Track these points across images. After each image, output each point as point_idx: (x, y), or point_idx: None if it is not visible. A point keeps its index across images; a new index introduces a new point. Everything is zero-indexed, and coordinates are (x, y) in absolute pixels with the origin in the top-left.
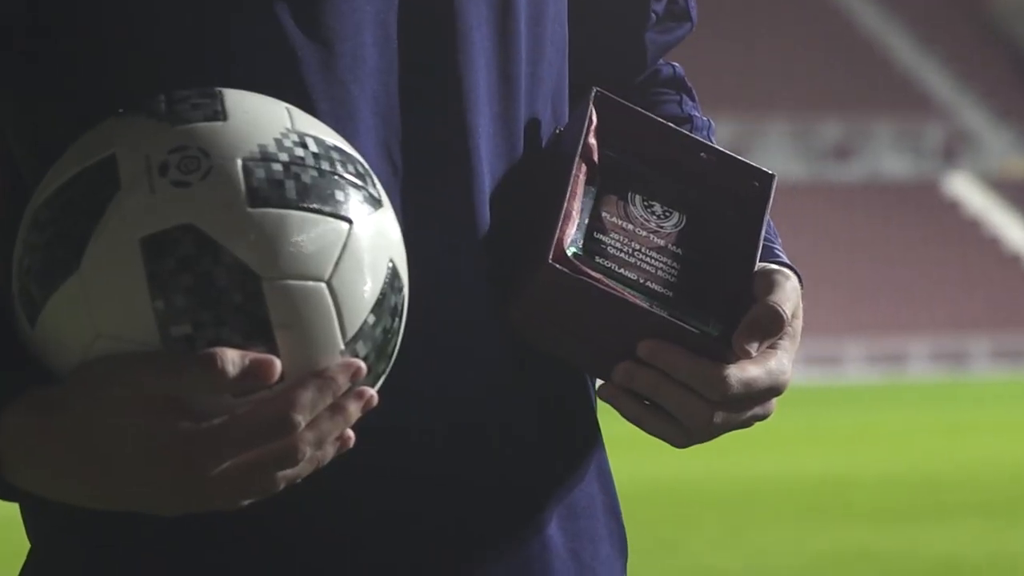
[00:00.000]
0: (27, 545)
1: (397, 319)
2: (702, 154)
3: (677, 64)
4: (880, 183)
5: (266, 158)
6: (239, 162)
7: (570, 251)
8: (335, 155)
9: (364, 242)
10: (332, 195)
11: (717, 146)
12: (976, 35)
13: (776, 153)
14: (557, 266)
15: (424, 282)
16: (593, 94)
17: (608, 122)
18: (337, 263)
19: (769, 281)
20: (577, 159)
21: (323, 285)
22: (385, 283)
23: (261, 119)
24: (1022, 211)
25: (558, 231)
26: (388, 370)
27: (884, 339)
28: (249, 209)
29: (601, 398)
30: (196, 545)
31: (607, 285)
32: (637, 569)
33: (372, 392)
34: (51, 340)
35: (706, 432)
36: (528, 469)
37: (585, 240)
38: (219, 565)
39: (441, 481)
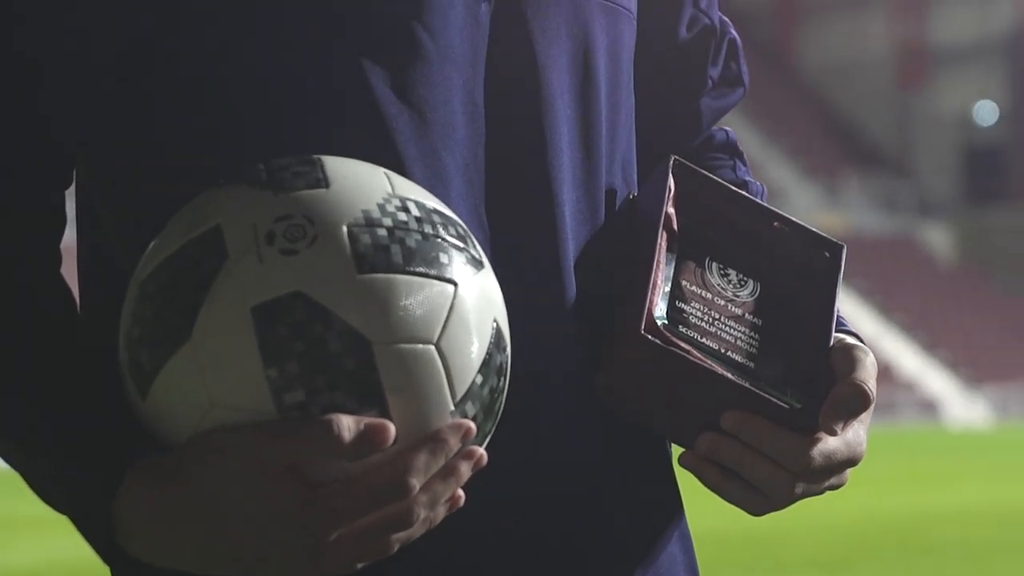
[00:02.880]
0: None
1: (503, 379)
2: (775, 223)
3: (730, 129)
4: None
5: (370, 223)
6: (344, 228)
7: (659, 321)
8: (436, 218)
9: (469, 303)
10: (436, 258)
11: (788, 216)
12: (783, 91)
13: None
14: (649, 337)
15: (514, 347)
16: (672, 162)
17: (685, 189)
18: (445, 325)
19: (851, 357)
20: (660, 229)
21: (432, 348)
22: (491, 343)
23: (363, 185)
24: None
25: (648, 301)
26: (494, 429)
27: None
28: (357, 275)
29: (683, 467)
30: None
31: (696, 356)
32: None
33: (481, 452)
34: (164, 410)
35: (785, 501)
36: (615, 534)
37: (669, 309)
38: None
39: (538, 542)
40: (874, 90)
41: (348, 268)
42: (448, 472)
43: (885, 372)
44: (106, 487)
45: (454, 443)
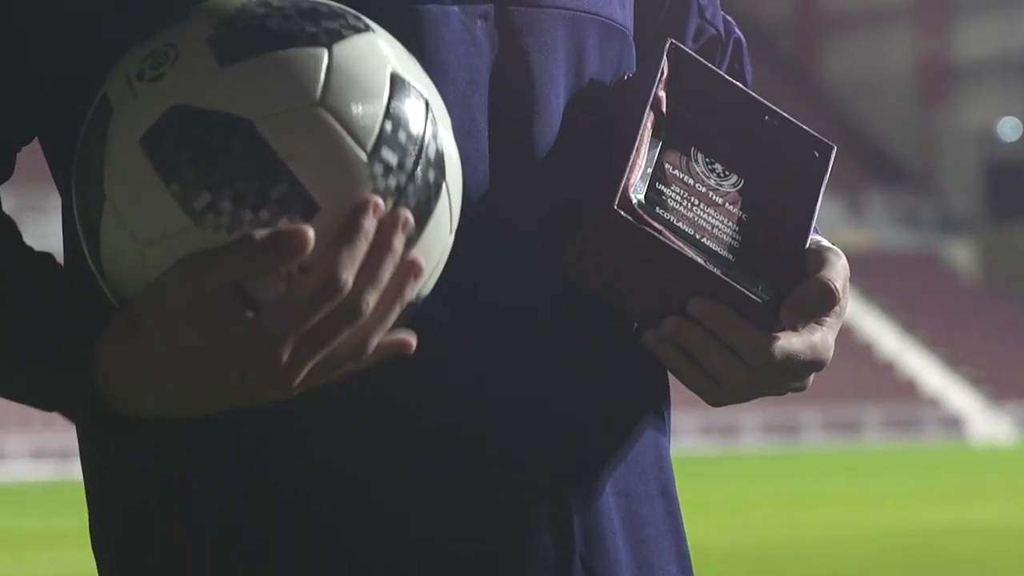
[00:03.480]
0: None
1: (425, 124)
2: (766, 116)
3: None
4: None
5: (228, 25)
6: (203, 37)
7: (634, 199)
8: (303, 4)
9: (350, 58)
10: (302, 30)
11: (780, 112)
12: (805, 107)
13: None
14: (622, 212)
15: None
16: (667, 45)
17: (679, 75)
18: (325, 83)
19: (821, 257)
20: (648, 109)
21: (317, 107)
22: (391, 90)
23: (223, 3)
24: (852, 282)
25: (625, 178)
26: (447, 184)
27: (716, 413)
28: (222, 70)
29: (644, 346)
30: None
31: (667, 237)
32: None
33: (406, 214)
34: (117, 277)
35: (741, 395)
36: (594, 454)
37: (648, 190)
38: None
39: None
40: (897, 106)
41: (211, 67)
42: (376, 243)
43: (909, 388)
44: (82, 357)
45: (366, 220)
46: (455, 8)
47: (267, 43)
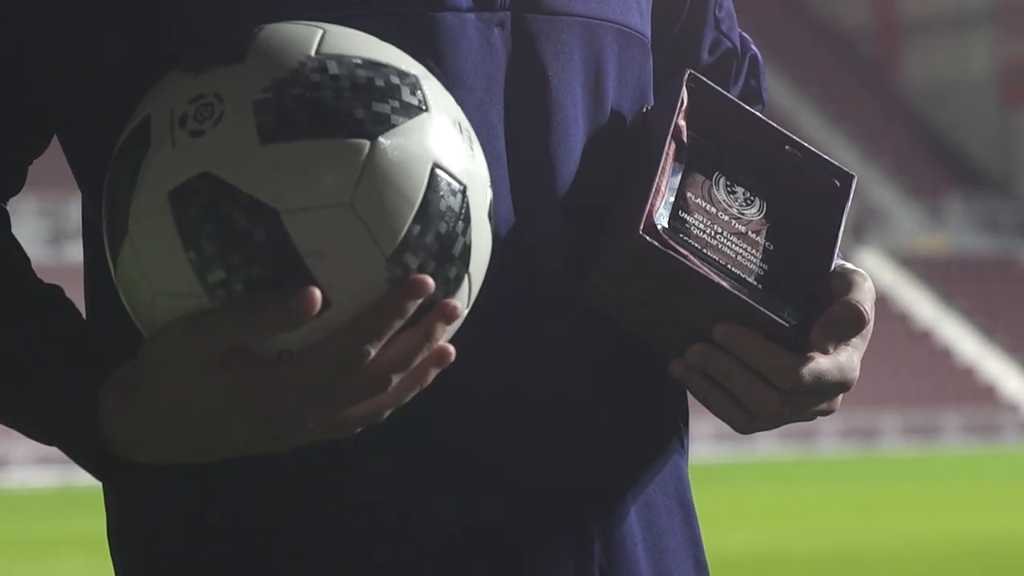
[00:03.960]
0: None
1: (456, 221)
2: (787, 147)
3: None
4: None
5: (279, 91)
6: (250, 100)
7: (659, 225)
8: (361, 72)
9: (392, 154)
10: (349, 115)
11: (801, 141)
12: (885, 111)
13: None
14: (647, 238)
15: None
16: (686, 76)
17: (698, 104)
18: (359, 182)
19: (848, 280)
20: (668, 138)
21: (347, 207)
22: (428, 188)
23: (282, 51)
24: (932, 287)
25: (649, 204)
26: (469, 274)
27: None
28: (260, 147)
29: (672, 375)
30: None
31: (693, 262)
32: None
33: (453, 303)
34: (129, 305)
35: (771, 420)
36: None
37: (671, 218)
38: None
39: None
40: (977, 109)
41: (252, 141)
42: (419, 331)
43: (988, 394)
44: (87, 400)
45: (403, 300)
46: (472, 15)
47: (311, 127)
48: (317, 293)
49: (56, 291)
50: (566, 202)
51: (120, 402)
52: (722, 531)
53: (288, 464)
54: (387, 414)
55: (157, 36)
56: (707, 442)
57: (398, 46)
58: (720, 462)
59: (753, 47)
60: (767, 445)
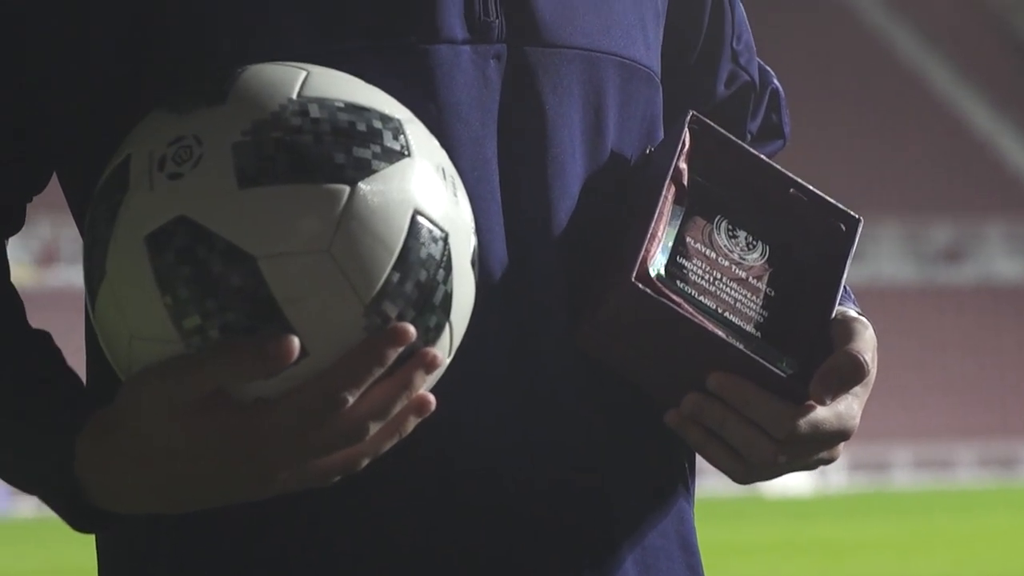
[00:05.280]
0: None
1: (437, 270)
2: (791, 190)
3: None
4: (991, 285)
5: (259, 134)
6: (230, 143)
7: (653, 272)
8: (342, 115)
9: (372, 201)
10: (329, 160)
11: (805, 184)
12: None
13: (887, 256)
14: (640, 285)
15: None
16: (688, 117)
17: (701, 147)
18: (337, 229)
19: (849, 328)
20: (668, 181)
21: (324, 254)
22: (408, 236)
23: (263, 93)
24: None
25: (643, 250)
26: (450, 323)
27: (995, 443)
28: (239, 191)
29: (667, 424)
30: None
31: (687, 311)
32: None
33: (433, 352)
34: (106, 346)
35: (768, 471)
36: (613, 516)
37: (668, 263)
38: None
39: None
40: None
41: (230, 185)
42: (398, 380)
43: None
44: (63, 448)
45: (382, 348)
46: (467, 48)
47: (291, 171)
48: (295, 341)
49: (43, 339)
50: (563, 241)
51: (95, 447)
52: (909, 560)
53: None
54: (364, 463)
55: (150, 66)
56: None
57: (392, 79)
58: (918, 490)
59: (775, 81)
60: (901, 476)
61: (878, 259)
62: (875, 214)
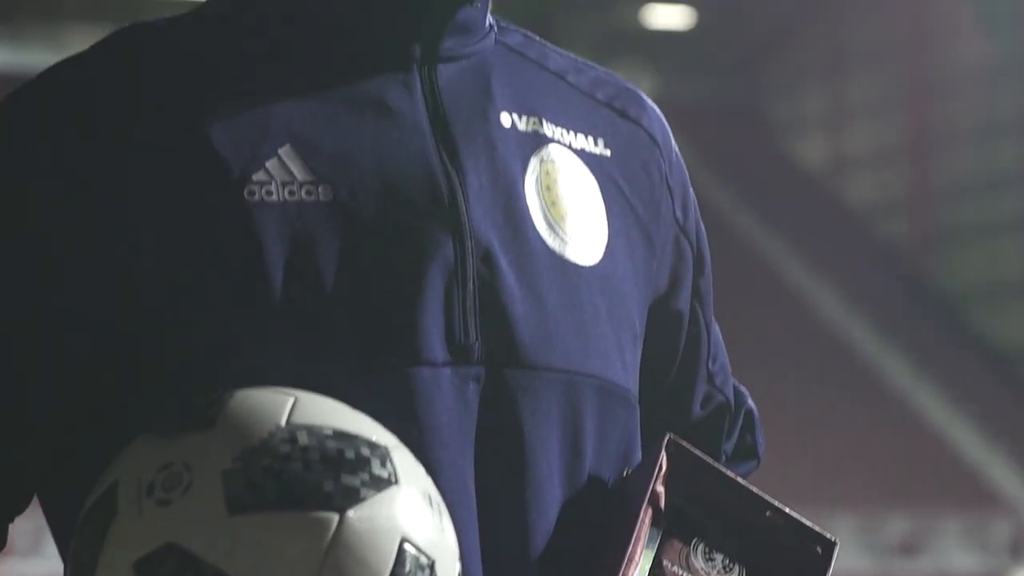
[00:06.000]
0: None
1: None
2: (768, 512)
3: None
4: None
5: (248, 462)
6: (219, 470)
7: None
8: (331, 443)
9: (360, 529)
10: (318, 488)
11: (782, 506)
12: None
13: (842, 548)
14: None
15: None
16: (666, 440)
17: (678, 470)
18: (326, 557)
19: None
20: (645, 505)
21: None
22: (396, 564)
23: (252, 420)
24: None
25: (621, 575)
26: None
27: None
28: (228, 518)
29: None
30: None
31: None
32: None
33: None
34: None
35: None
36: None
37: None
38: None
39: None
40: None
41: (219, 512)
42: None
43: None
44: None
45: None
46: (447, 370)
47: (280, 499)
48: None
49: None
50: (541, 564)
51: None
52: None
53: None
54: None
55: (132, 388)
56: None
57: (374, 401)
58: None
59: (749, 401)
60: None
61: None
62: (828, 507)
